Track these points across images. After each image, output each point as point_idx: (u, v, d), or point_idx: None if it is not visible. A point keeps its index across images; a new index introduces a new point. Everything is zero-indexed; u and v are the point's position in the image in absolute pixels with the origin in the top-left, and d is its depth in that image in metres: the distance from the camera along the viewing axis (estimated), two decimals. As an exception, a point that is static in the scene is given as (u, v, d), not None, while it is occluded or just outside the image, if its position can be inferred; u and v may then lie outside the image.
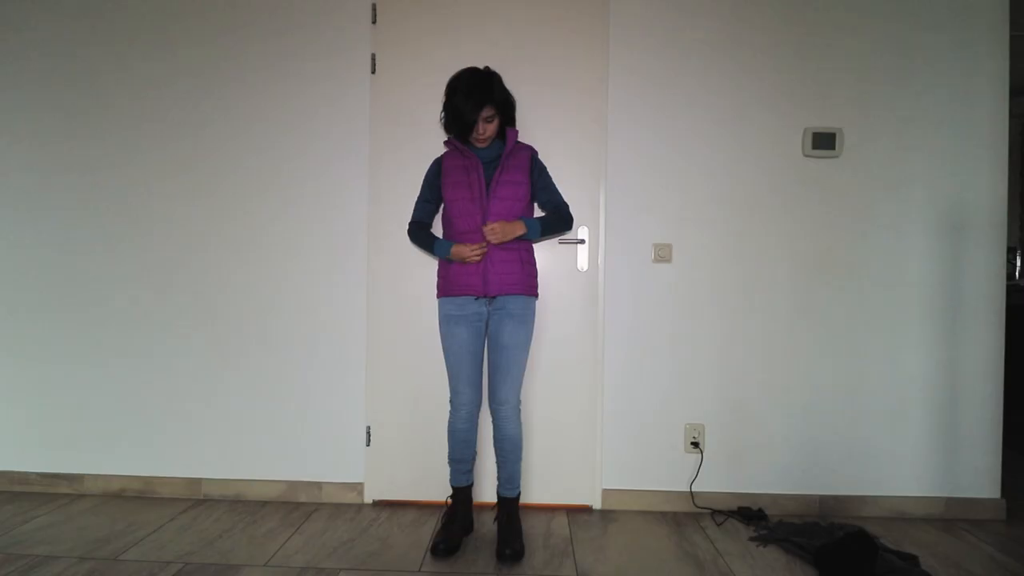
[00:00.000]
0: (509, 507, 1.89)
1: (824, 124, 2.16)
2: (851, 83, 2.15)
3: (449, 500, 1.96)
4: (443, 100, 1.83)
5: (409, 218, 2.17)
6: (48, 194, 2.28)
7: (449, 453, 1.92)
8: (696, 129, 2.18)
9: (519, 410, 1.90)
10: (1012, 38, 2.14)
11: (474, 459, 1.94)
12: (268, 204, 2.24)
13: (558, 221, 1.93)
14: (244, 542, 1.88)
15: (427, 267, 2.20)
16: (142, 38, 2.26)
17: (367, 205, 2.21)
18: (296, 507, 2.18)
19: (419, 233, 1.96)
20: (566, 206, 1.97)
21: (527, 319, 1.88)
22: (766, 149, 2.17)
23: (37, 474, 2.29)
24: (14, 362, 2.30)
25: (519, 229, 1.83)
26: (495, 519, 1.93)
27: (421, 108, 2.20)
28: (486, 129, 1.81)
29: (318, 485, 2.23)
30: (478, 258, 1.81)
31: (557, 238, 2.15)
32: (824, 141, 2.14)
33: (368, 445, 2.22)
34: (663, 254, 2.18)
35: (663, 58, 2.18)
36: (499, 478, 1.91)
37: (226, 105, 2.25)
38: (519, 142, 1.92)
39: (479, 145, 1.85)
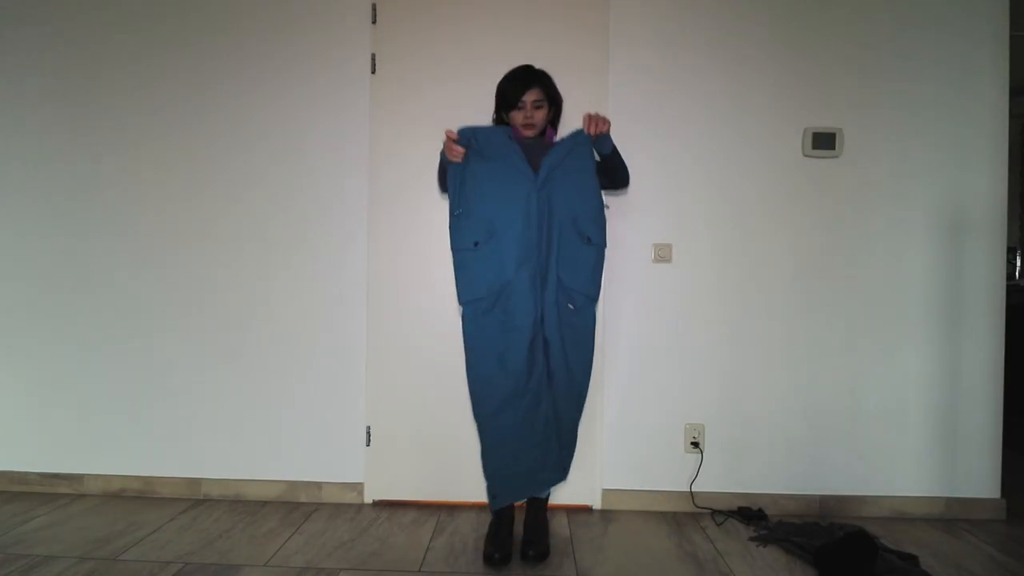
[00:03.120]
0: (539, 507, 1.88)
1: (824, 124, 2.16)
2: (851, 83, 2.15)
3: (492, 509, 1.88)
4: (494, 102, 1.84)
5: (411, 216, 2.18)
6: (47, 195, 2.28)
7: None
8: (696, 129, 2.18)
9: None
10: (1012, 38, 2.14)
11: None
12: (268, 203, 2.24)
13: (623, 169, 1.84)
14: (244, 542, 1.88)
15: (427, 267, 2.20)
16: (141, 35, 2.26)
17: (367, 205, 2.21)
18: (296, 507, 2.18)
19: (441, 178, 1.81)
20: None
21: None
22: (766, 149, 2.17)
23: (37, 474, 2.29)
24: (14, 362, 2.29)
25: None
26: (524, 520, 1.87)
27: (421, 108, 2.20)
28: (535, 114, 1.77)
29: (318, 485, 2.23)
30: (454, 150, 1.68)
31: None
32: (824, 141, 2.14)
33: (368, 445, 2.22)
34: (663, 254, 2.18)
35: (664, 57, 2.18)
36: None
37: (225, 103, 2.25)
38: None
39: (526, 133, 1.79)
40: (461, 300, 1.70)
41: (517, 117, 1.79)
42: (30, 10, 2.28)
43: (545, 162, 1.69)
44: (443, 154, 1.75)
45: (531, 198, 1.66)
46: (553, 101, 1.83)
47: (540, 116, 1.78)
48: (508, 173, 1.67)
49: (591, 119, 1.69)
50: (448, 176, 1.74)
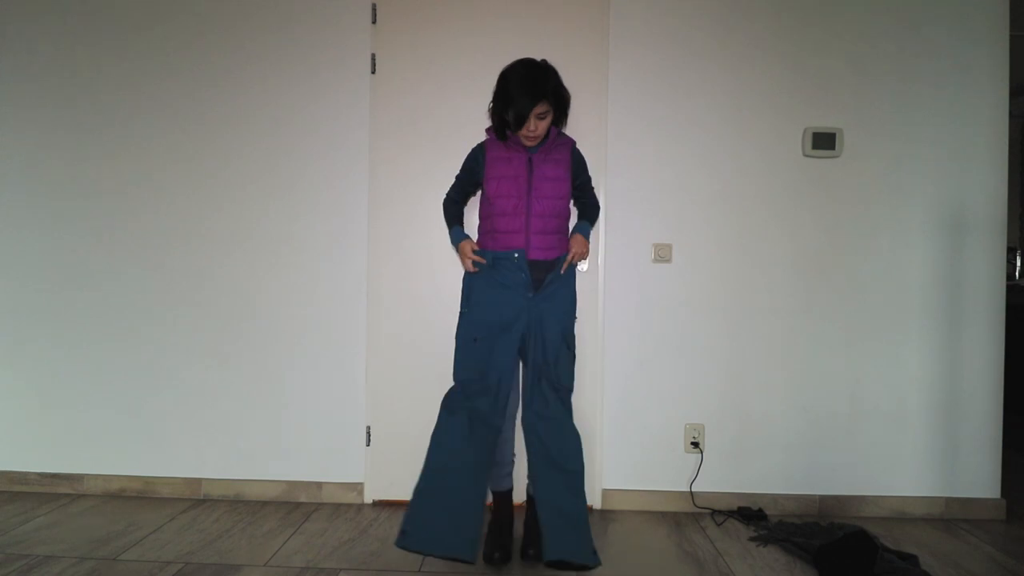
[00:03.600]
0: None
1: (824, 124, 2.16)
2: (851, 83, 2.15)
3: (489, 504, 1.89)
4: (494, 90, 1.75)
5: (411, 215, 2.19)
6: (47, 195, 2.28)
7: None
8: (697, 129, 2.18)
9: None
10: (1012, 38, 2.14)
11: (513, 462, 1.92)
12: (268, 204, 2.24)
13: (595, 220, 2.00)
14: (244, 542, 1.88)
15: (427, 267, 2.20)
16: (141, 34, 2.26)
17: (367, 204, 2.21)
18: (296, 507, 2.18)
19: (448, 209, 1.95)
20: (598, 204, 2.01)
21: None
22: (766, 149, 2.17)
23: (37, 474, 2.29)
24: (14, 362, 2.29)
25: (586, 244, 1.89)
26: (524, 520, 1.89)
27: (421, 108, 2.20)
28: (537, 127, 1.70)
29: (318, 485, 2.23)
30: (470, 268, 1.83)
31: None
32: (824, 141, 2.14)
33: (368, 445, 2.22)
34: (663, 254, 2.18)
35: (664, 56, 2.18)
36: (529, 476, 1.87)
37: (225, 103, 2.24)
38: (560, 132, 1.86)
39: (528, 143, 1.76)
40: (455, 379, 1.83)
41: (520, 128, 1.76)
42: (29, 9, 2.28)
43: (544, 286, 1.80)
44: (451, 241, 1.91)
45: (523, 309, 1.78)
46: (558, 105, 1.77)
47: (543, 127, 1.74)
48: (511, 286, 1.79)
49: (573, 258, 1.83)
50: (463, 280, 1.88)
